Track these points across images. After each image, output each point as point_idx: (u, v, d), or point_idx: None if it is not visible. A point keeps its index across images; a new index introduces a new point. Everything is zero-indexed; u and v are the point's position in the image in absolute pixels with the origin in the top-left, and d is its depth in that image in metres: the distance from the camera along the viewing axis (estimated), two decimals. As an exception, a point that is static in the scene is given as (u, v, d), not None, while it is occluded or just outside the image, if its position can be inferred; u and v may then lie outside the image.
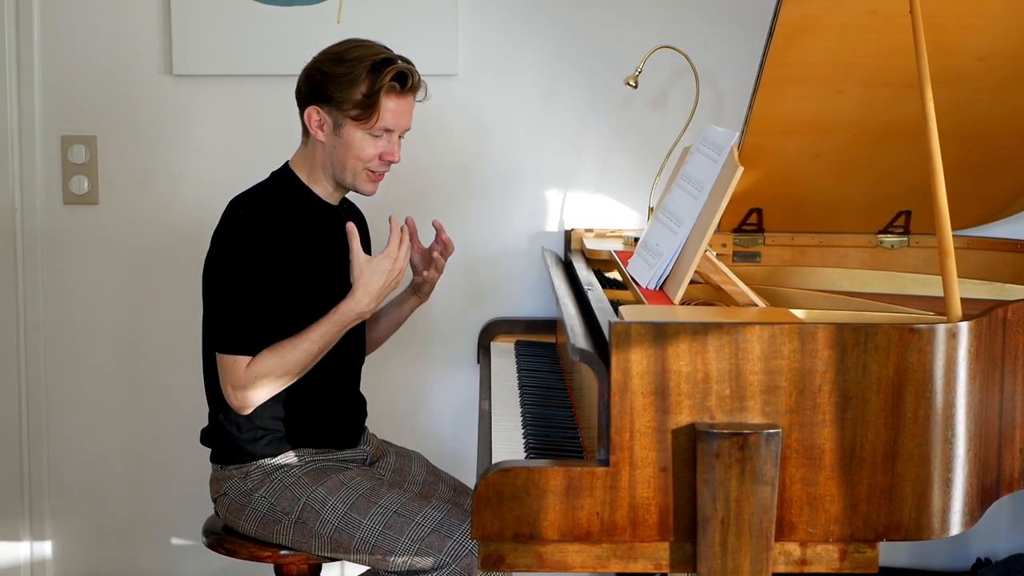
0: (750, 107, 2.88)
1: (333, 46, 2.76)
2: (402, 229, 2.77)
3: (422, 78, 2.77)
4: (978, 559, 3.64)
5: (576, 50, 3.56)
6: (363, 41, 2.75)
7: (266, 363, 2.65)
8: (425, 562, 2.58)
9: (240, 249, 2.67)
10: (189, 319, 3.51)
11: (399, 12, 3.49)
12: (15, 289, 3.62)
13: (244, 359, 2.64)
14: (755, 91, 2.83)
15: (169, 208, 3.61)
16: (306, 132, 2.80)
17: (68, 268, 3.65)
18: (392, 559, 2.61)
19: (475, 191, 3.61)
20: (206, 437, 2.86)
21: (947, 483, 2.15)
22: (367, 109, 2.69)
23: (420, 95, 2.80)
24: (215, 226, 2.76)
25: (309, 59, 2.79)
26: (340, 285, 2.78)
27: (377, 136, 2.73)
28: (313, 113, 2.73)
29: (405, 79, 2.71)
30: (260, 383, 2.65)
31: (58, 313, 3.66)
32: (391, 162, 2.78)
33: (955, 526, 2.19)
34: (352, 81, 2.68)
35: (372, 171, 2.78)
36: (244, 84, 3.56)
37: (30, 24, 3.53)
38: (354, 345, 2.90)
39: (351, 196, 2.93)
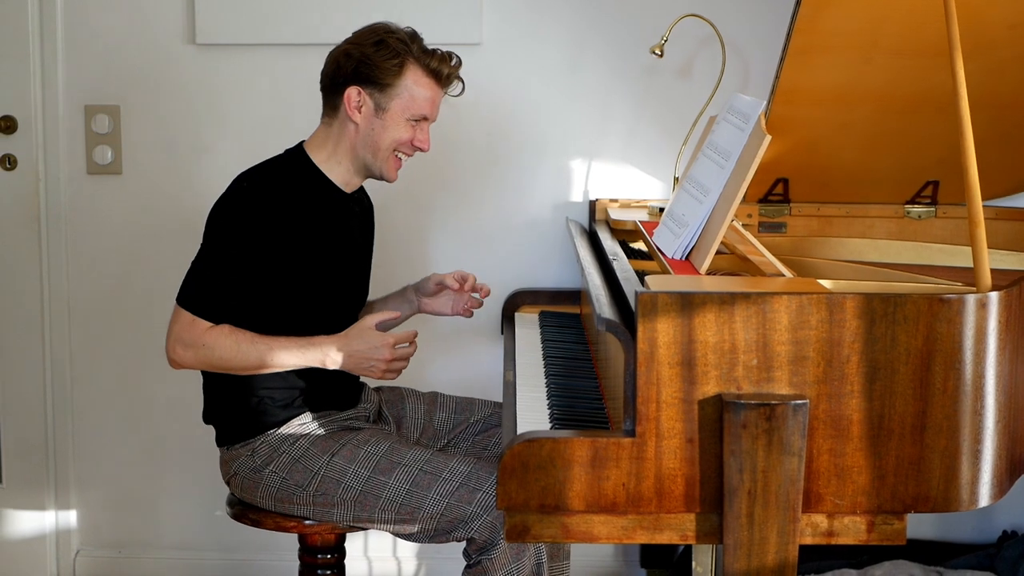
0: (777, 76, 2.85)
1: (365, 32, 2.76)
2: (413, 340, 2.76)
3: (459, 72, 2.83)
4: (1004, 532, 3.63)
5: (601, 19, 3.53)
6: (394, 26, 2.77)
7: (221, 339, 2.65)
8: (455, 515, 2.59)
9: (234, 218, 2.68)
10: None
11: (424, -19, 3.48)
12: (39, 259, 3.63)
13: (203, 322, 2.65)
14: (782, 60, 2.80)
15: (192, 178, 3.61)
16: (331, 113, 2.79)
17: (92, 238, 3.65)
18: (421, 515, 2.62)
19: (499, 161, 3.60)
20: (207, 413, 2.87)
21: (976, 455, 2.14)
22: (413, 92, 2.73)
23: (454, 91, 2.85)
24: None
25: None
26: (334, 274, 2.80)
27: (415, 122, 2.75)
28: (354, 93, 2.72)
29: (445, 68, 2.77)
30: (205, 353, 2.65)
31: (82, 283, 3.67)
32: (420, 149, 2.81)
33: (984, 498, 2.17)
34: (401, 64, 2.71)
35: (400, 157, 2.80)
36: (267, 53, 3.55)
37: (53, -7, 3.53)
38: (352, 305, 2.89)
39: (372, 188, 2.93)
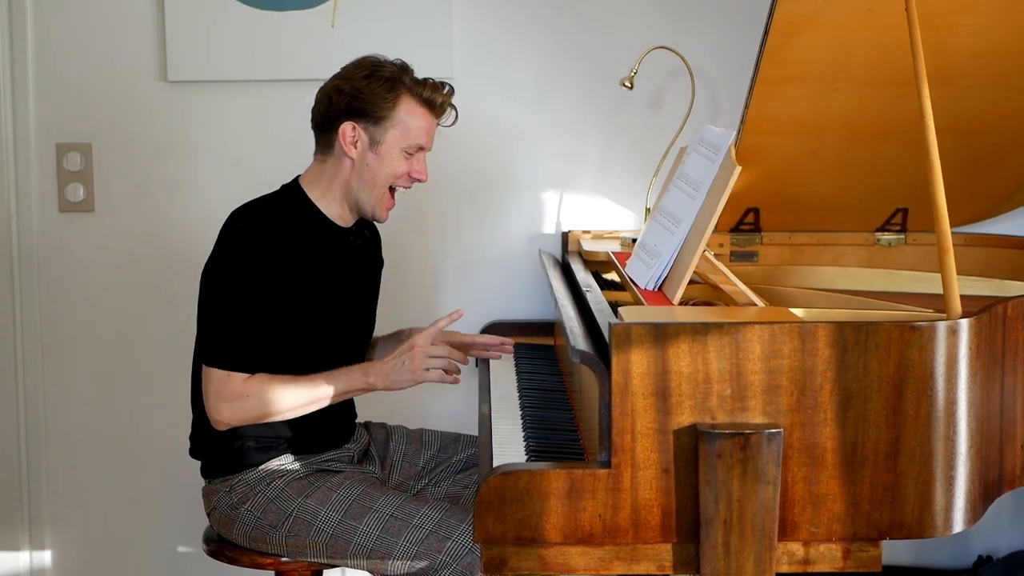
0: (746, 106, 2.87)
1: (354, 66, 2.74)
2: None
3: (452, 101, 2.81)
4: (980, 556, 3.64)
5: (571, 51, 3.55)
6: (383, 58, 2.75)
7: (263, 387, 2.62)
8: (425, 563, 2.57)
9: (238, 262, 2.64)
10: (186, 326, 3.50)
11: (393, 15, 3.49)
12: (12, 297, 3.61)
13: (238, 375, 2.62)
14: (751, 90, 2.83)
15: (165, 215, 3.60)
16: (324, 150, 2.77)
17: (64, 276, 3.64)
18: (391, 562, 2.60)
19: (471, 193, 3.61)
20: (193, 447, 2.85)
21: (949, 481, 2.15)
22: (407, 123, 2.71)
23: (447, 120, 2.83)
24: (212, 233, 2.75)
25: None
26: (339, 308, 2.79)
27: (410, 154, 2.74)
28: (348, 129, 2.70)
29: (439, 97, 2.75)
30: (251, 404, 2.62)
31: (55, 321, 3.65)
32: (418, 180, 2.79)
33: (958, 523, 2.19)
34: (395, 97, 2.69)
35: (392, 193, 2.78)
36: (239, 90, 3.55)
37: (24, 31, 3.52)
38: (358, 339, 2.89)
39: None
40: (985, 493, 2.27)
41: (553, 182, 3.61)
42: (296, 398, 2.65)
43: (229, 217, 2.72)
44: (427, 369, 2.66)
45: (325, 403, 2.68)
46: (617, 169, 3.59)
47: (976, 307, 2.26)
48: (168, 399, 3.65)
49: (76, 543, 3.75)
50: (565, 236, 3.52)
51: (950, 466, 2.15)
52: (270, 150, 3.55)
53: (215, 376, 2.62)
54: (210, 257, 2.72)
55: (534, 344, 3.43)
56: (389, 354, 2.72)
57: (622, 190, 3.60)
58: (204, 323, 2.69)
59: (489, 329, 3.51)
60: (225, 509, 2.75)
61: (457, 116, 2.85)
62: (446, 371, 2.67)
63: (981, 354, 2.19)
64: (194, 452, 2.85)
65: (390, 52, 2.82)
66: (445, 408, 3.61)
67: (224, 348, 2.63)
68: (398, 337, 3.05)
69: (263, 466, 2.74)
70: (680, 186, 2.65)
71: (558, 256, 3.55)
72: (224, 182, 3.57)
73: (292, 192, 2.78)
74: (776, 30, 2.66)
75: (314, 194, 2.77)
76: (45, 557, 3.74)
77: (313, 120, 2.78)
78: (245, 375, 2.62)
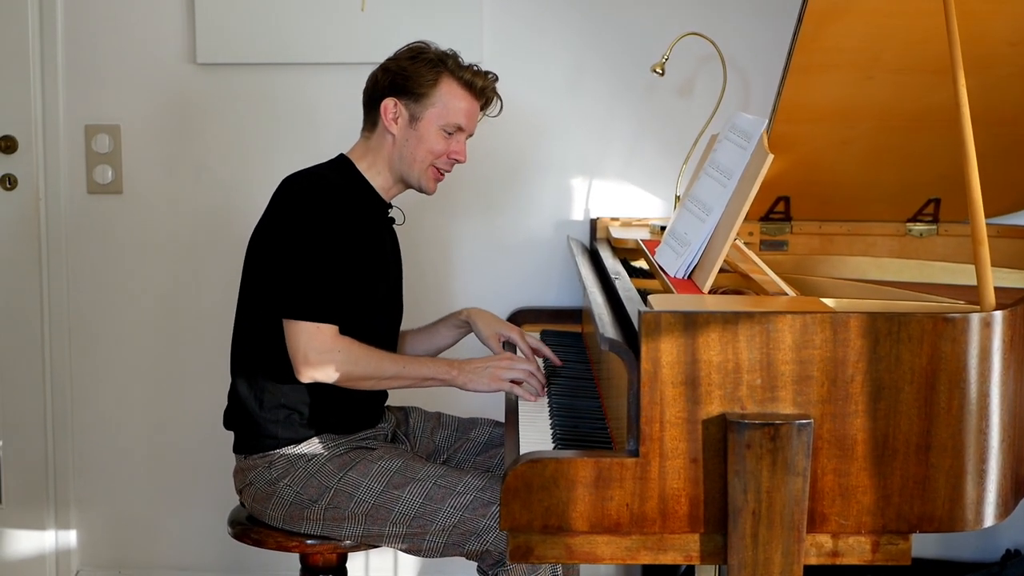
0: (778, 94, 2.85)
1: (403, 50, 2.85)
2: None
3: (496, 90, 2.88)
4: (1007, 551, 3.61)
5: (602, 37, 3.53)
6: (431, 44, 2.85)
7: (354, 347, 2.67)
8: (470, 528, 2.59)
9: (310, 220, 2.67)
10: (213, 307, 3.52)
11: (423, -1, 3.48)
12: (40, 279, 3.62)
13: (328, 327, 2.64)
14: (783, 78, 2.80)
15: (193, 196, 3.61)
16: (371, 126, 2.85)
17: (92, 258, 3.64)
18: (432, 529, 2.61)
19: (500, 179, 3.60)
20: (229, 418, 2.86)
21: (981, 474, 2.13)
22: (446, 102, 2.79)
23: (493, 111, 2.91)
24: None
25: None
26: (382, 277, 2.84)
27: (449, 134, 2.81)
28: (390, 104, 2.79)
29: (480, 81, 2.82)
30: (341, 358, 2.64)
31: (82, 303, 3.66)
32: (457, 161, 2.86)
33: (989, 517, 2.16)
34: (436, 76, 2.78)
35: (438, 169, 2.85)
36: (268, 72, 3.55)
37: (54, 13, 3.52)
38: (388, 337, 2.90)
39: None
40: (1017, 487, 2.24)
41: (582, 168, 3.60)
42: (384, 368, 2.70)
43: (285, 181, 2.77)
44: (504, 379, 2.76)
45: (407, 383, 2.75)
46: (647, 156, 3.58)
47: (1009, 299, 2.23)
48: (194, 381, 3.66)
49: (101, 523, 3.77)
50: (594, 223, 3.50)
51: (982, 459, 2.12)
52: (299, 133, 3.54)
53: (305, 329, 2.64)
54: (270, 219, 2.75)
55: (562, 331, 3.42)
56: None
57: (652, 177, 3.58)
58: (284, 280, 2.67)
59: (516, 316, 3.50)
60: (262, 485, 2.75)
61: (502, 107, 2.92)
62: (517, 383, 2.77)
63: (1015, 346, 2.16)
64: (229, 423, 2.86)
65: (419, 36, 2.83)
66: (471, 396, 3.59)
67: (312, 301, 2.64)
68: (457, 317, 3.11)
69: (304, 443, 2.75)
70: (711, 174, 2.63)
71: (586, 243, 3.53)
72: (252, 164, 3.57)
73: (342, 164, 2.86)
74: (810, 17, 2.64)
75: (361, 166, 2.85)
76: (70, 536, 3.75)
77: (363, 100, 2.87)
78: (335, 328, 2.65)
